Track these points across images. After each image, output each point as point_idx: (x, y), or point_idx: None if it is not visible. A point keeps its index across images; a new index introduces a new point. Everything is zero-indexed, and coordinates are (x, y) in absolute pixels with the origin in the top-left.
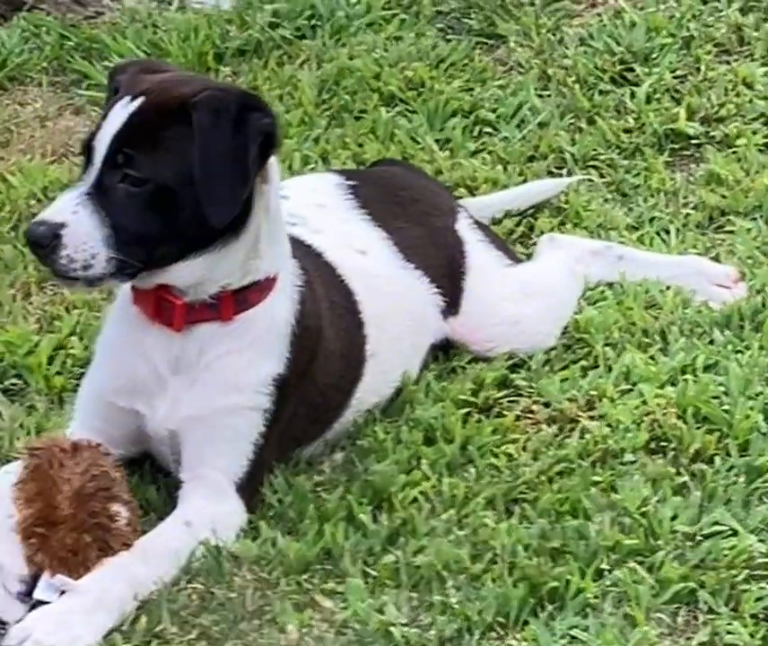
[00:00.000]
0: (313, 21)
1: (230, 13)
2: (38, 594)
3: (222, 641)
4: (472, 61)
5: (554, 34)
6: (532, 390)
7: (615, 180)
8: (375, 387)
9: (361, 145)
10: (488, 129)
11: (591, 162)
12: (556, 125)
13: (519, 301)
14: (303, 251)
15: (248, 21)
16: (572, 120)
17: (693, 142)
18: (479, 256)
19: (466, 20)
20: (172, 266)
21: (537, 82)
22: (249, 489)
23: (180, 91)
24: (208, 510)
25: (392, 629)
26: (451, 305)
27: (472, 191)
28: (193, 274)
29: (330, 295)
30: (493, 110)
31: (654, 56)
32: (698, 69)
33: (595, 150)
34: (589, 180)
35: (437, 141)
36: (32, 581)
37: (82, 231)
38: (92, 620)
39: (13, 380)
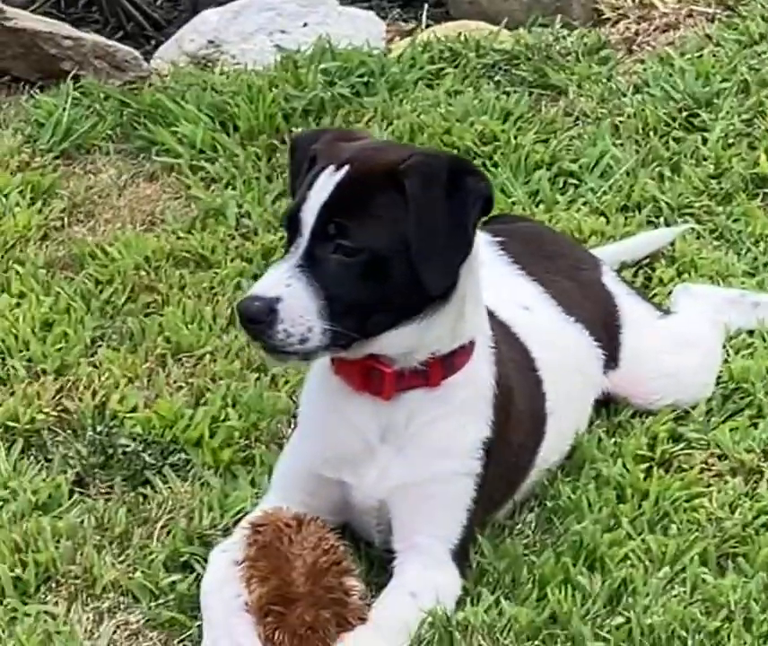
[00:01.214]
0: (366, 78)
1: (286, 74)
2: None
3: None
4: (539, 113)
5: (607, 82)
6: (704, 442)
7: (718, 227)
8: (555, 445)
9: None
10: (572, 181)
11: (687, 210)
12: (643, 174)
13: (676, 352)
14: None
15: (303, 81)
16: (656, 168)
17: None
18: (632, 308)
19: (515, 72)
20: (384, 334)
21: (607, 131)
22: (462, 555)
23: (387, 157)
24: (430, 580)
25: None
26: (610, 359)
27: (580, 244)
28: (404, 342)
29: (511, 354)
30: (574, 161)
31: (716, 101)
32: (763, 113)
33: (687, 197)
34: (692, 228)
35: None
36: None
37: (298, 305)
38: None
39: (177, 456)
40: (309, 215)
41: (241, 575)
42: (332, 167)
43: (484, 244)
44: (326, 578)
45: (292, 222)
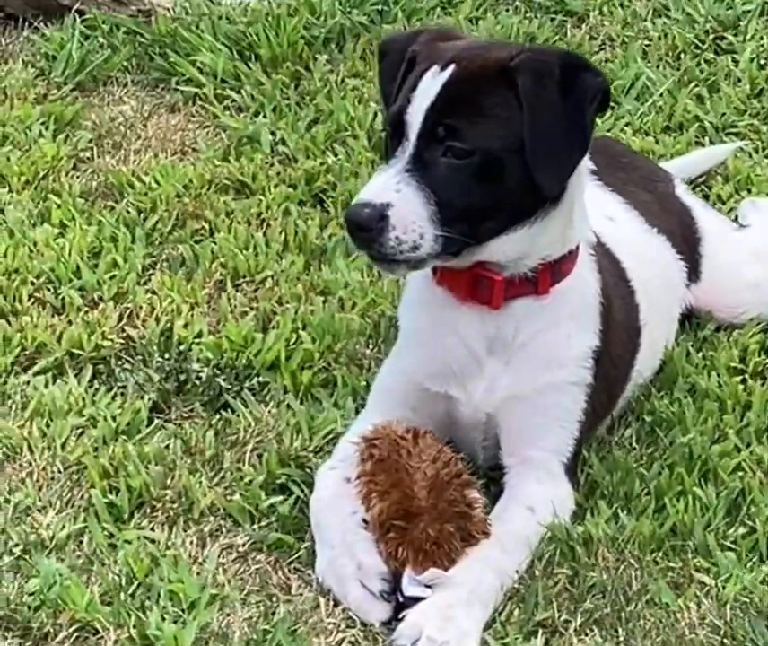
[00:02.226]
0: (380, 7)
1: (299, 3)
2: (409, 591)
3: (614, 625)
4: (565, 37)
5: (628, 6)
6: None
7: (767, 145)
8: (649, 358)
9: None
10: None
11: (732, 129)
12: (682, 95)
13: (757, 264)
14: None
15: (317, 9)
16: (693, 89)
17: None
18: (709, 221)
19: None
20: (495, 239)
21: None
22: (574, 469)
23: (495, 55)
24: (546, 494)
25: None
26: (692, 272)
27: None
28: (516, 247)
29: (606, 264)
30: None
31: (740, 23)
32: None
33: (730, 117)
34: (742, 148)
35: None
36: (393, 578)
37: (410, 210)
38: (472, 614)
39: (254, 380)
40: (414, 118)
41: (358, 491)
42: (436, 67)
43: None
44: (448, 491)
45: (395, 126)
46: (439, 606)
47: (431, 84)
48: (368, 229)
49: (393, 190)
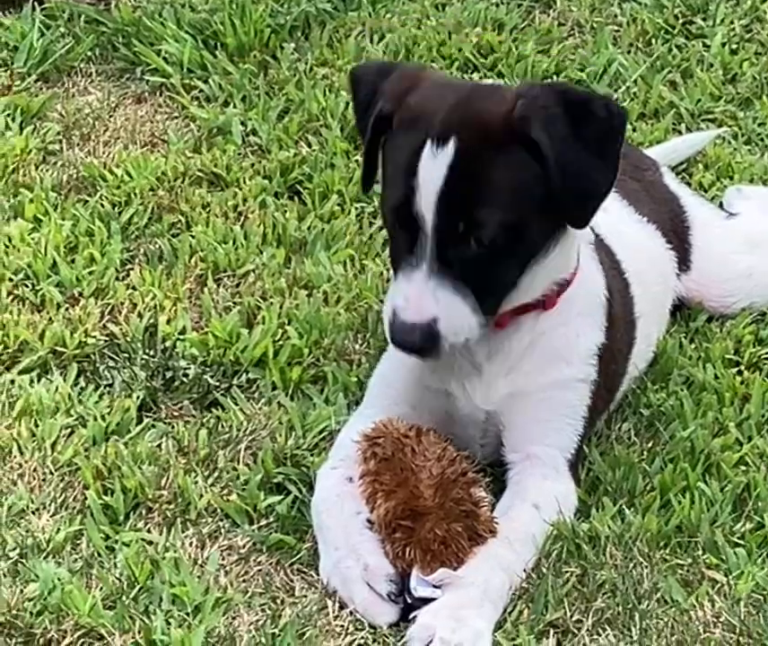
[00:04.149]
0: None
1: None
2: (418, 592)
3: (626, 625)
4: (533, 23)
5: None
6: None
7: (745, 131)
8: (643, 351)
9: None
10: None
11: (708, 116)
12: (656, 81)
13: (748, 253)
14: None
15: None
16: (666, 75)
17: None
18: (698, 210)
19: None
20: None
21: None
22: (576, 464)
23: (491, 110)
24: (551, 491)
25: None
26: (681, 262)
27: None
28: (533, 282)
29: (602, 256)
30: (581, 70)
31: (709, 8)
32: (758, 19)
33: (705, 103)
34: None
35: None
36: (400, 580)
37: (455, 316)
38: (484, 614)
39: (242, 377)
40: (426, 211)
41: (362, 491)
42: (430, 143)
43: None
44: (454, 490)
45: (402, 219)
46: (450, 606)
47: (433, 168)
48: (426, 351)
49: (432, 301)
